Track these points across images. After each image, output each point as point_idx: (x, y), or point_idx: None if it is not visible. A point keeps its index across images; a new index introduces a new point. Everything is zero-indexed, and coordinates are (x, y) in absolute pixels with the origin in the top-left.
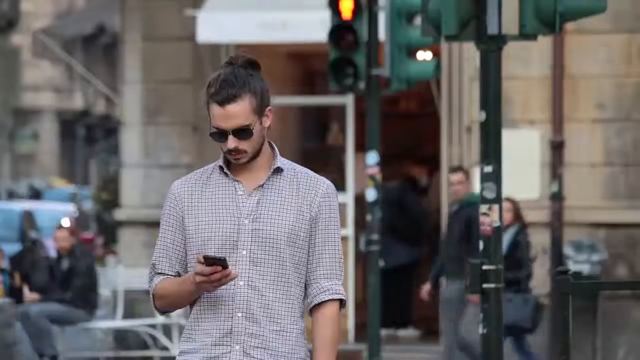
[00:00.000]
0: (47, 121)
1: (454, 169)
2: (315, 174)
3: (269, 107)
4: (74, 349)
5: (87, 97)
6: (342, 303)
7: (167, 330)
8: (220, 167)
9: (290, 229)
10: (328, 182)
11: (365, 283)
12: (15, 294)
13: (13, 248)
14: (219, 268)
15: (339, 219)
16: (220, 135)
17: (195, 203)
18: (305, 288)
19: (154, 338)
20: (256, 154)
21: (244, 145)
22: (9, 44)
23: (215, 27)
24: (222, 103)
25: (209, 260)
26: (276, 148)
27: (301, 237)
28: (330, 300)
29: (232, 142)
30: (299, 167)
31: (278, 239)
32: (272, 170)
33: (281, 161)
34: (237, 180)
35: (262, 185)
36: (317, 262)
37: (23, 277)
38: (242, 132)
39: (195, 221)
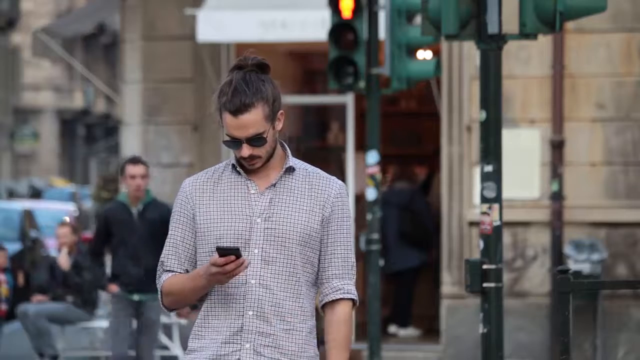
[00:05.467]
0: (47, 120)
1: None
2: (327, 174)
3: (280, 111)
4: (74, 349)
5: (87, 96)
6: (354, 303)
7: (167, 329)
8: (233, 166)
9: (302, 229)
10: (340, 182)
11: (366, 283)
12: (18, 292)
13: (13, 247)
14: (233, 258)
15: (351, 220)
16: (234, 143)
17: (206, 201)
18: (317, 287)
19: None
20: (269, 157)
21: (258, 151)
22: (9, 44)
23: (216, 26)
24: (235, 113)
25: (221, 251)
26: (288, 148)
27: (313, 236)
28: (342, 299)
29: (246, 150)
30: (310, 167)
31: (290, 238)
32: (284, 169)
33: (293, 161)
34: (249, 179)
35: (274, 185)
36: (329, 262)
37: (23, 275)
38: (256, 140)
39: (207, 219)
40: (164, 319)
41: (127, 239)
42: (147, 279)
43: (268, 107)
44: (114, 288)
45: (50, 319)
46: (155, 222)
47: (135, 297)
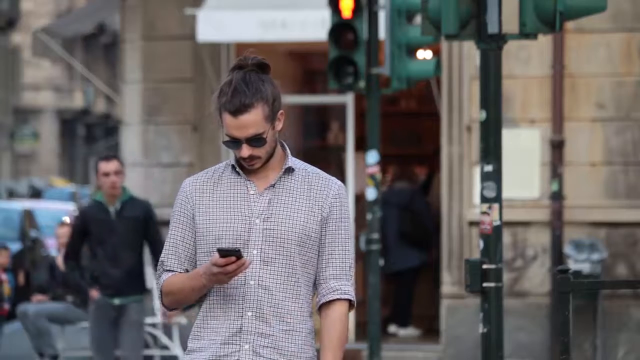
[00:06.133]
0: (47, 120)
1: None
2: (326, 174)
3: (281, 111)
4: (74, 349)
5: (87, 96)
6: (351, 304)
7: (167, 329)
8: (233, 166)
9: (301, 229)
10: (339, 182)
11: (366, 283)
12: (19, 292)
13: (13, 247)
14: (233, 259)
15: (350, 220)
16: (234, 143)
17: (206, 201)
18: (315, 288)
19: (154, 337)
20: (269, 157)
21: (258, 152)
22: (9, 44)
23: (216, 26)
24: (234, 113)
25: (222, 253)
26: (287, 148)
27: (312, 237)
28: (338, 300)
29: (246, 151)
30: (310, 167)
31: (289, 239)
32: (283, 170)
33: (292, 161)
34: (249, 180)
35: (273, 185)
36: (327, 263)
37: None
38: (256, 141)
39: (207, 219)
40: (162, 319)
41: (105, 239)
42: (127, 281)
43: (268, 107)
44: (95, 294)
45: (50, 319)
46: (137, 219)
47: (116, 301)
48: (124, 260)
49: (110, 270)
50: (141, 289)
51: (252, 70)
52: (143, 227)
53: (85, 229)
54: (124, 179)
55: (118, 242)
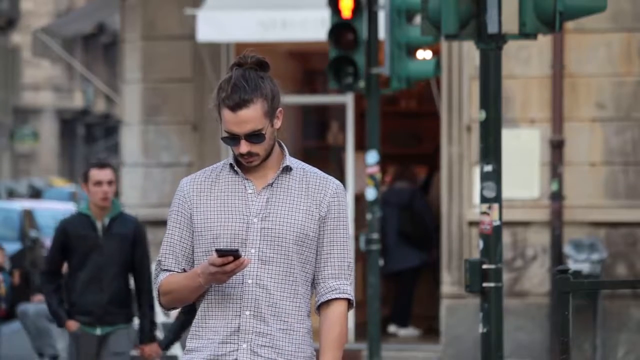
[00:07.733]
0: (47, 120)
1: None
2: (324, 173)
3: (279, 109)
4: None
5: (87, 96)
6: (350, 303)
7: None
8: (231, 165)
9: (299, 228)
10: (337, 182)
11: (366, 283)
12: (15, 292)
13: (13, 247)
14: (231, 258)
15: (348, 219)
16: (233, 139)
17: (204, 200)
18: (314, 287)
19: None
20: (267, 155)
21: (257, 148)
22: (9, 43)
23: (215, 25)
24: (233, 108)
25: (220, 253)
26: (285, 147)
27: (310, 236)
28: (337, 299)
29: (244, 147)
30: (308, 167)
31: (286, 238)
32: (281, 169)
33: (290, 160)
34: (247, 179)
35: (271, 184)
36: (325, 262)
37: (23, 275)
38: (255, 137)
39: (204, 219)
40: (162, 318)
41: (89, 258)
42: (111, 308)
43: (267, 104)
44: (74, 325)
45: (50, 319)
46: (126, 237)
47: (98, 331)
48: (109, 284)
49: (93, 295)
50: (128, 317)
51: (252, 68)
52: (131, 247)
53: (66, 245)
54: (115, 189)
55: (104, 263)
